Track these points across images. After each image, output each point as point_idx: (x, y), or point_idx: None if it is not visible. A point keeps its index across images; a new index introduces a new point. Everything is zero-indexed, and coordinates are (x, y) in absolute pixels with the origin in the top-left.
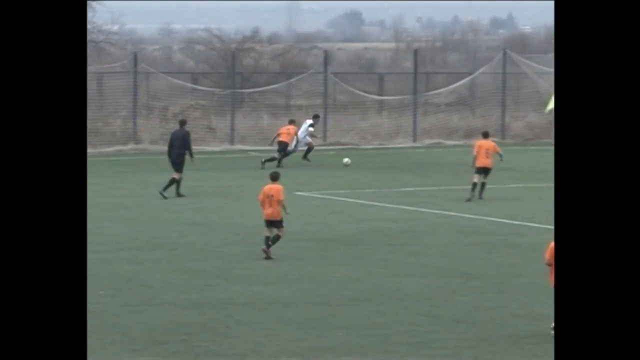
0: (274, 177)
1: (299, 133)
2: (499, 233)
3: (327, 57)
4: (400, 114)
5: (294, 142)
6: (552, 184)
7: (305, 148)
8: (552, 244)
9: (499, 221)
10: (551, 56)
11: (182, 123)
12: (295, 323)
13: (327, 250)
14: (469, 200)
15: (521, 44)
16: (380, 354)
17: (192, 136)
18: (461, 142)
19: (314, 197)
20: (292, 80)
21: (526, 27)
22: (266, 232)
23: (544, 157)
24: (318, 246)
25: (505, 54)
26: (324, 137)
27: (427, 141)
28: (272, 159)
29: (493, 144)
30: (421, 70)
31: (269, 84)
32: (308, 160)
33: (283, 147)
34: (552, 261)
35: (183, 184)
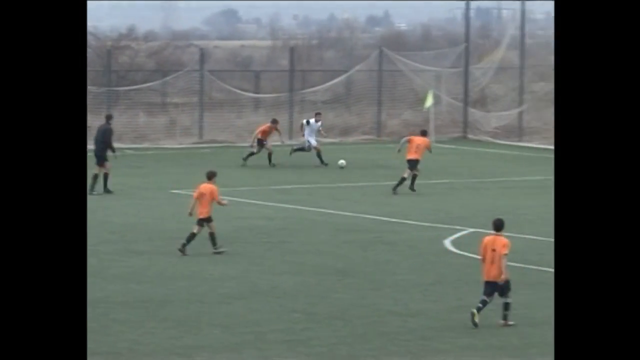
0: (209, 176)
1: (306, 134)
2: (375, 230)
3: (203, 55)
4: (277, 111)
5: (306, 142)
6: (427, 181)
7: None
8: (486, 239)
9: (375, 218)
10: (427, 53)
11: (108, 118)
12: (171, 321)
13: (204, 248)
14: (395, 192)
15: (397, 41)
16: (256, 352)
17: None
18: (337, 140)
19: (189, 195)
20: (168, 78)
21: (402, 24)
22: (194, 229)
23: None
24: (194, 244)
25: (381, 51)
26: (200, 135)
27: (303, 138)
28: (251, 154)
29: (424, 139)
30: (297, 68)
31: (145, 82)
32: (323, 164)
33: (261, 143)
34: (486, 256)
35: None
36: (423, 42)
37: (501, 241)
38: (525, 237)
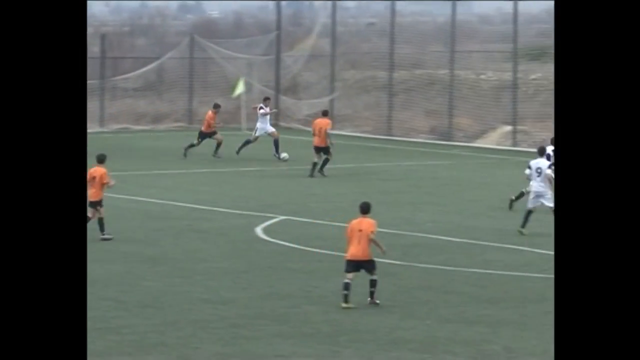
0: (100, 159)
1: (259, 124)
2: (186, 218)
3: None
4: (87, 98)
5: (255, 132)
6: (238, 168)
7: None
8: (353, 222)
9: (187, 206)
10: (239, 41)
11: None
12: None
13: None
14: (311, 176)
15: (209, 29)
16: None
17: None
18: (149, 127)
19: None
20: None
21: (214, 12)
22: (88, 213)
23: (231, 141)
24: None
25: (192, 39)
26: None
27: (114, 126)
28: (191, 145)
29: (327, 122)
30: (109, 55)
31: None
32: (278, 157)
33: (201, 136)
34: (352, 237)
35: None
36: (235, 29)
37: (368, 222)
38: (337, 225)
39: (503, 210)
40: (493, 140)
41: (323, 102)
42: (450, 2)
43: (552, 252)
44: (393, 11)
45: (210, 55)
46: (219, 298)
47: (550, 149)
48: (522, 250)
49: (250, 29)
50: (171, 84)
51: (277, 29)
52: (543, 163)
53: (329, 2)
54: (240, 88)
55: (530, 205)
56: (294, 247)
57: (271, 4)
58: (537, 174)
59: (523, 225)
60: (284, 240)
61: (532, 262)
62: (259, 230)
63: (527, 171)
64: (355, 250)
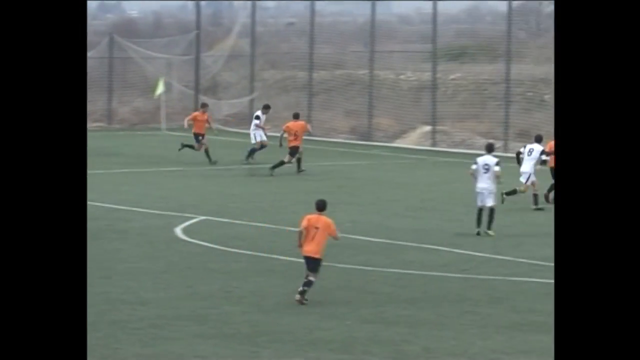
0: None
1: (253, 129)
2: (106, 218)
3: None
4: None
5: (254, 139)
6: (158, 169)
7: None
8: (309, 217)
9: (106, 206)
10: (158, 41)
11: None
12: None
13: None
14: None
15: (128, 28)
16: None
17: None
18: None
19: None
20: None
21: (133, 12)
22: None
23: (151, 142)
24: None
25: (111, 38)
26: None
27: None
28: (189, 146)
29: (301, 124)
30: None
31: None
32: (250, 160)
33: (197, 138)
34: (308, 233)
35: None
36: (154, 29)
37: (326, 222)
38: (257, 225)
39: (422, 210)
40: (412, 140)
41: (243, 102)
42: (369, 2)
43: (471, 252)
44: (313, 11)
45: (130, 55)
46: (138, 298)
47: (537, 146)
48: (440, 250)
49: (170, 29)
50: (90, 83)
51: (197, 29)
52: (490, 160)
53: (249, 2)
54: (160, 88)
55: (479, 204)
56: (214, 248)
57: (190, 4)
58: (484, 171)
59: (478, 225)
60: (203, 241)
61: (451, 263)
62: (178, 231)
63: (473, 166)
64: (308, 247)
